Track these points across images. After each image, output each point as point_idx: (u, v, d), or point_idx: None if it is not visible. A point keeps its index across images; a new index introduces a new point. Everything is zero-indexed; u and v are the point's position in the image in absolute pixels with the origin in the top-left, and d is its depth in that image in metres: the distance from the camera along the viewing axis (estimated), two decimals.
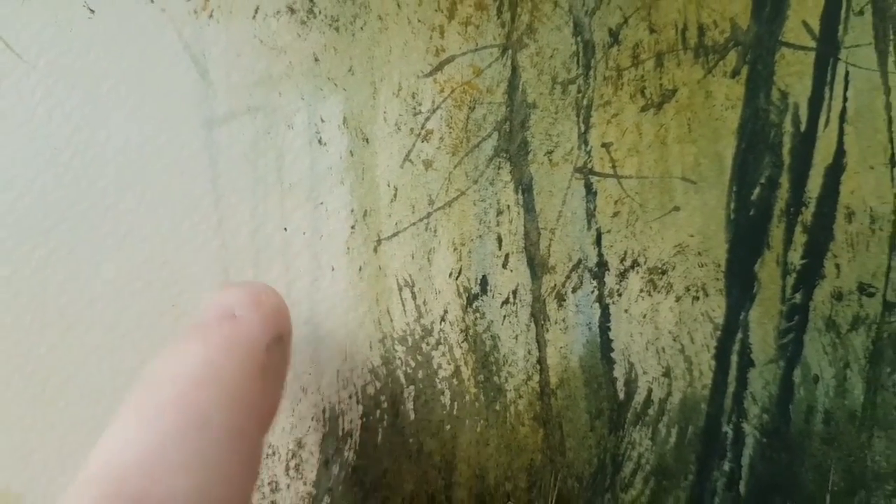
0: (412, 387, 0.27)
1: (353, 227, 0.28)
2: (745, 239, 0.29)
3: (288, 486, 0.27)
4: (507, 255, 0.28)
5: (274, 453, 0.27)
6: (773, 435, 0.29)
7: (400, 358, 0.27)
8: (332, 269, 0.27)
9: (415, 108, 0.28)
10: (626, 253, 0.28)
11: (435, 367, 0.27)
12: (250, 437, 0.20)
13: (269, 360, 0.21)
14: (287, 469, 0.27)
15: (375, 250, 0.28)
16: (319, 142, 0.28)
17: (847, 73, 0.29)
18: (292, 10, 0.28)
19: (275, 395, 0.22)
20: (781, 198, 0.29)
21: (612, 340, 0.28)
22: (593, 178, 0.28)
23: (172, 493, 0.17)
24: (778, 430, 0.29)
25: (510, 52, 0.28)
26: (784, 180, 0.29)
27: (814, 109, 0.29)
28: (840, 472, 0.28)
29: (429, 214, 0.28)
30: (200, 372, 0.19)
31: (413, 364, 0.27)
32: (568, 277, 0.28)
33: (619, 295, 0.28)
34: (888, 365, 0.29)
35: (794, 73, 0.29)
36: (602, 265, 0.28)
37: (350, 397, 0.27)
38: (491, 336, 0.28)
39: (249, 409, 0.20)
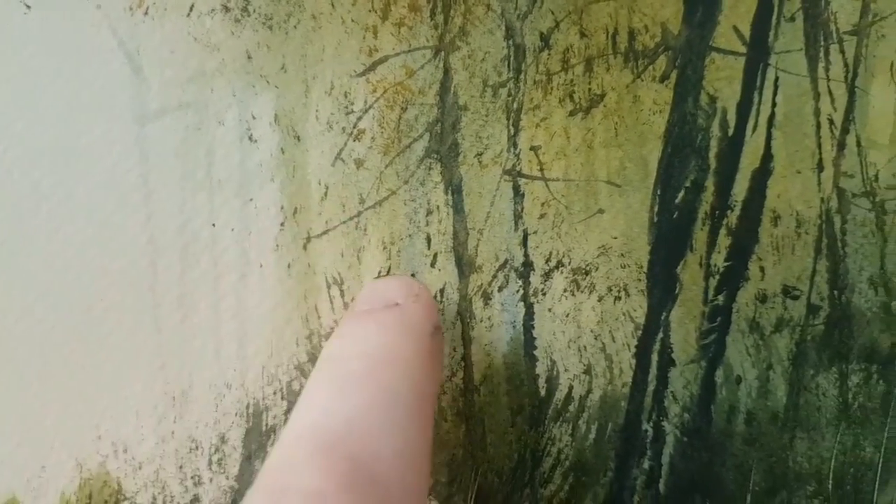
0: None
1: (282, 225, 0.22)
2: (668, 241, 0.23)
3: (210, 480, 0.22)
4: (435, 255, 0.22)
5: (197, 448, 0.22)
6: (694, 434, 0.23)
7: None
8: (261, 266, 0.22)
9: (347, 108, 0.22)
10: (551, 254, 0.23)
11: None
12: (426, 410, 0.19)
13: (433, 346, 0.20)
14: (210, 463, 0.22)
15: (305, 248, 0.22)
16: (250, 139, 0.22)
17: (777, 79, 0.24)
18: (227, 9, 0.22)
19: (438, 376, 0.21)
20: (706, 201, 0.23)
21: (535, 338, 0.23)
22: (521, 181, 0.23)
23: (378, 454, 0.16)
24: (699, 430, 0.23)
25: (443, 54, 0.22)
26: (710, 184, 0.23)
27: (742, 114, 0.24)
28: (761, 473, 0.24)
29: (359, 213, 0.22)
30: (384, 352, 0.19)
31: None
32: (494, 277, 0.23)
33: (544, 294, 0.23)
34: (811, 367, 0.24)
35: (723, 78, 0.23)
36: (528, 265, 0.23)
37: (275, 393, 0.22)
38: None
39: (423, 385, 0.19)
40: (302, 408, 0.18)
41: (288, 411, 0.24)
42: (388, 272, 0.24)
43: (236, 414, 0.24)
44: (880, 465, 0.25)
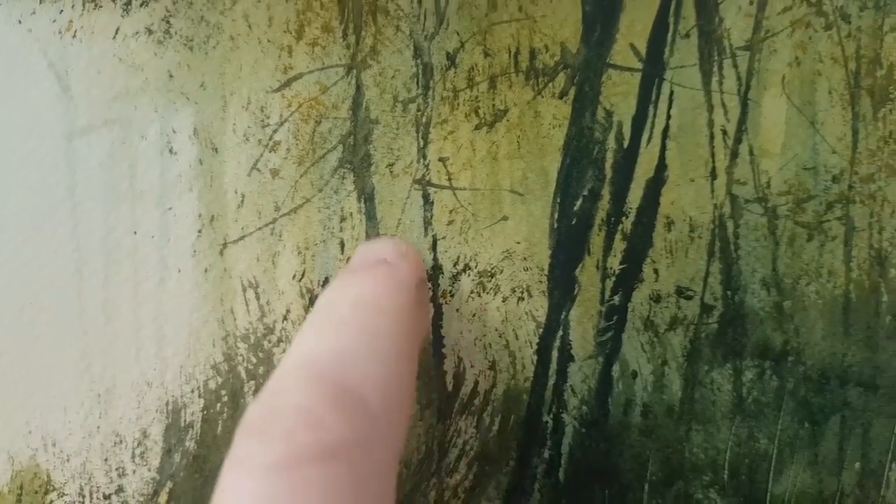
0: (253, 382, 0.21)
1: (199, 232, 0.20)
2: (567, 246, 0.22)
3: (134, 472, 0.20)
4: (349, 259, 0.20)
5: (121, 441, 0.21)
6: (592, 426, 0.22)
7: (242, 355, 0.20)
8: (179, 271, 0.20)
9: (263, 121, 0.21)
10: (458, 258, 0.21)
11: (276, 363, 0.20)
12: (411, 351, 0.19)
13: (418, 297, 0.20)
14: (133, 456, 0.20)
15: (221, 253, 0.21)
16: (171, 151, 0.20)
17: (672, 93, 0.22)
18: (150, 31, 0.21)
19: (423, 325, 0.22)
20: (603, 208, 0.22)
21: (443, 337, 0.21)
22: (431, 190, 0.21)
23: (364, 380, 0.16)
24: (596, 422, 0.22)
25: (355, 71, 0.21)
26: (606, 192, 0.22)
27: (637, 127, 0.22)
28: (658, 463, 0.22)
29: (274, 220, 0.21)
30: (372, 300, 0.18)
31: (255, 360, 0.20)
32: None
33: (452, 296, 0.21)
34: (706, 363, 0.23)
35: (619, 94, 0.22)
36: (437, 268, 0.21)
37: (192, 391, 0.20)
38: None
39: (408, 331, 0.19)
40: (294, 345, 0.18)
41: (205, 408, 0.23)
42: (303, 276, 0.23)
43: (157, 410, 0.22)
44: (774, 457, 0.24)
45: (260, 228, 0.23)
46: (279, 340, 0.23)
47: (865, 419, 0.24)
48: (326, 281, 0.24)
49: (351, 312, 0.18)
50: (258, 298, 0.23)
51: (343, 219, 0.24)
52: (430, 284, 0.23)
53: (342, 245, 0.24)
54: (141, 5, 0.23)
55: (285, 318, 0.23)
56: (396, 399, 0.17)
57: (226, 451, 0.24)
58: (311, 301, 0.23)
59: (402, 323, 0.18)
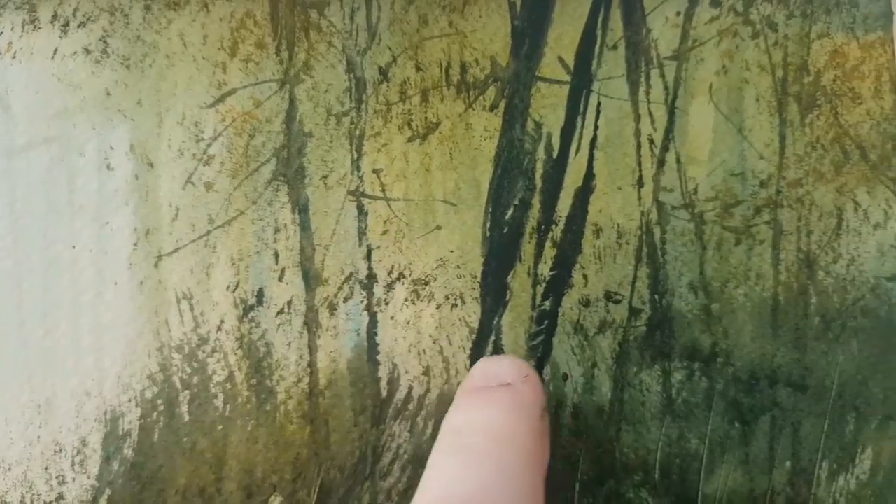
0: (187, 391, 0.21)
1: (135, 245, 0.20)
2: (499, 253, 0.22)
3: (73, 480, 0.20)
4: (283, 269, 0.21)
5: (61, 450, 0.20)
6: None
7: (176, 365, 0.20)
8: (115, 284, 0.20)
9: (197, 136, 0.21)
10: (393, 266, 0.21)
11: (210, 372, 0.20)
12: (538, 486, 0.18)
13: (542, 426, 0.20)
14: (73, 464, 0.20)
15: (156, 266, 0.21)
16: (108, 167, 0.20)
17: (599, 104, 0.22)
18: (88, 51, 0.21)
19: (547, 454, 0.20)
20: (533, 217, 0.22)
21: (378, 344, 0.21)
22: (365, 200, 0.21)
23: None
24: None
25: (288, 86, 0.21)
26: (536, 202, 0.21)
27: (566, 137, 0.22)
28: (589, 463, 0.22)
29: (208, 232, 0.21)
30: (502, 430, 0.18)
31: (189, 370, 0.20)
32: (340, 289, 0.21)
33: (386, 304, 0.21)
34: (635, 365, 0.23)
35: (548, 105, 0.21)
36: (371, 277, 0.21)
37: (129, 401, 0.20)
38: (265, 343, 0.21)
39: (535, 463, 0.18)
40: (430, 477, 0.18)
41: (142, 417, 0.22)
42: (237, 287, 0.23)
43: (95, 419, 0.22)
44: (705, 456, 0.24)
45: (194, 241, 0.23)
46: (213, 351, 0.23)
47: (795, 419, 0.24)
48: (260, 292, 0.24)
49: (481, 443, 0.18)
50: (192, 310, 0.23)
51: (277, 230, 0.23)
52: (549, 412, 0.21)
53: (276, 256, 0.23)
54: (79, 26, 0.23)
55: (219, 329, 0.23)
56: None
57: (162, 457, 0.24)
58: (245, 311, 0.23)
59: (529, 456, 0.18)
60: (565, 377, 0.24)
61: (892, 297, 0.24)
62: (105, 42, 0.23)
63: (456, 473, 0.17)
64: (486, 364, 0.21)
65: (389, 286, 0.24)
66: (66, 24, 0.23)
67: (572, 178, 0.24)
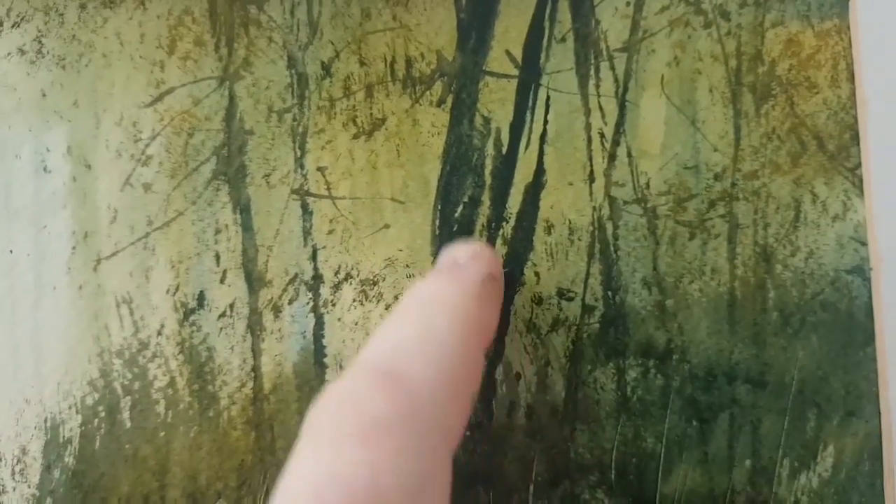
0: (129, 397, 0.20)
1: (73, 249, 0.20)
2: None
3: (14, 489, 0.20)
4: (224, 271, 0.20)
5: (1, 459, 0.19)
6: (476, 428, 0.21)
7: (117, 370, 0.20)
8: (54, 289, 0.20)
9: (135, 136, 0.20)
10: (340, 267, 0.20)
11: (151, 378, 0.20)
12: (473, 347, 0.19)
13: (484, 290, 0.20)
14: (13, 473, 0.20)
15: (95, 269, 0.20)
16: (45, 170, 0.20)
17: (548, 98, 0.21)
18: (22, 52, 0.20)
19: (491, 317, 0.21)
20: (483, 214, 0.21)
21: (325, 347, 0.21)
22: (309, 199, 0.20)
23: (412, 362, 0.17)
24: (480, 424, 0.21)
25: (228, 83, 0.20)
26: (486, 198, 0.21)
27: (515, 133, 0.21)
28: (543, 463, 0.22)
29: (147, 234, 0.20)
30: (434, 297, 0.19)
31: (130, 376, 0.20)
32: (284, 290, 0.20)
33: (333, 305, 0.21)
34: (588, 363, 0.23)
35: (496, 100, 0.21)
36: (317, 278, 0.21)
37: (70, 408, 0.20)
38: (207, 348, 0.20)
39: (468, 324, 0.19)
40: (373, 334, 0.19)
41: (83, 424, 0.22)
42: (177, 290, 0.22)
43: (35, 427, 0.22)
44: (662, 455, 0.23)
45: (133, 243, 0.22)
46: (153, 356, 0.22)
47: (755, 416, 0.23)
48: (201, 295, 0.23)
49: (414, 309, 0.18)
50: (132, 314, 0.22)
51: (218, 231, 0.23)
52: (502, 280, 0.22)
53: (217, 257, 0.23)
54: (13, 27, 0.23)
55: (159, 334, 0.22)
56: (446, 384, 0.17)
57: (104, 465, 0.23)
58: (186, 315, 0.22)
59: (461, 316, 0.18)
60: (518, 376, 0.23)
61: (853, 291, 0.23)
62: (40, 42, 0.22)
63: (386, 333, 0.18)
64: (445, 250, 0.21)
65: (336, 287, 0.23)
66: (0, 24, 0.22)
67: (522, 174, 0.23)
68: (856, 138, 0.24)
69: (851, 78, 0.24)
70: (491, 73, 0.23)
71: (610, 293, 0.23)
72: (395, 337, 0.18)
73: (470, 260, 0.21)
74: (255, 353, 0.22)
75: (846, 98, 0.24)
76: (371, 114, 0.23)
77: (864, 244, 0.23)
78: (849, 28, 0.24)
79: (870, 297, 0.23)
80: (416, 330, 0.18)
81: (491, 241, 0.23)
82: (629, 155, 0.23)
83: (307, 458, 0.15)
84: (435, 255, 0.23)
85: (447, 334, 0.18)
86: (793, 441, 0.23)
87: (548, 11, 0.24)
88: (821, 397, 0.23)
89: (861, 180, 0.24)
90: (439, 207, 0.23)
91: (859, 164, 0.24)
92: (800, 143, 0.23)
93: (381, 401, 0.16)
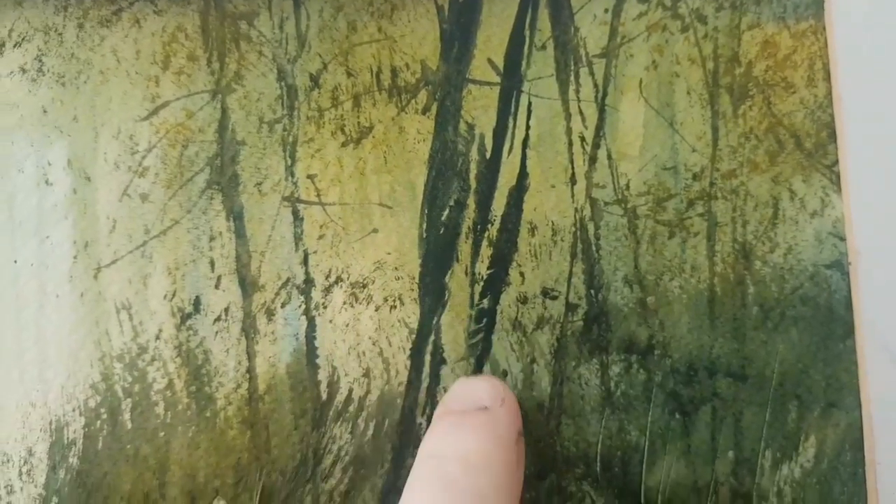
0: (129, 399, 0.21)
1: (75, 258, 0.21)
2: (436, 254, 0.22)
3: (21, 489, 0.21)
4: (219, 277, 0.21)
5: (8, 461, 0.21)
6: None
7: (118, 374, 0.21)
8: (57, 297, 0.20)
9: (132, 148, 0.21)
10: (330, 270, 0.21)
11: (150, 380, 0.21)
12: None
13: (518, 451, 0.20)
14: (20, 474, 0.21)
15: (95, 277, 0.21)
16: (46, 182, 0.21)
17: (530, 103, 0.21)
18: (24, 70, 0.21)
19: (520, 480, 0.20)
20: (469, 217, 0.22)
21: (317, 348, 0.21)
22: (300, 206, 0.21)
23: None
24: None
25: (220, 96, 0.21)
26: (471, 202, 0.21)
27: (498, 138, 0.22)
28: (530, 457, 0.23)
29: (144, 243, 0.21)
30: (478, 458, 0.18)
31: (130, 379, 0.21)
32: (277, 294, 0.21)
33: (325, 307, 0.21)
34: (573, 359, 0.23)
35: (479, 107, 0.21)
36: (309, 282, 0.21)
37: (73, 410, 0.21)
38: (203, 351, 0.21)
39: (510, 489, 0.18)
40: (408, 501, 0.18)
41: (86, 426, 0.23)
42: (174, 296, 0.23)
43: (41, 429, 0.23)
44: (646, 448, 0.23)
45: (131, 251, 0.23)
46: (152, 359, 0.23)
47: (736, 409, 0.24)
48: (197, 300, 0.24)
49: (458, 470, 0.18)
50: (131, 319, 0.23)
51: (212, 238, 0.23)
52: (524, 436, 0.21)
53: (212, 264, 0.23)
54: (14, 46, 0.24)
55: (158, 338, 0.23)
56: None
57: (107, 465, 0.24)
58: (183, 320, 0.23)
59: (504, 483, 0.18)
60: (505, 374, 0.24)
61: (831, 285, 0.23)
62: (40, 61, 0.23)
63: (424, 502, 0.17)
64: (464, 385, 0.21)
65: (327, 290, 0.24)
66: (3, 45, 0.23)
67: (506, 178, 0.24)
68: (833, 136, 0.24)
69: (828, 77, 0.24)
70: (474, 81, 0.24)
71: (592, 291, 0.24)
72: None
73: (497, 406, 0.20)
74: (250, 355, 0.23)
75: (823, 97, 0.24)
76: (358, 122, 0.24)
77: (842, 239, 0.23)
78: (824, 28, 0.24)
79: (849, 291, 0.23)
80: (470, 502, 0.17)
81: (476, 243, 0.24)
82: (609, 157, 0.24)
83: None
84: (423, 257, 0.24)
85: None
86: (774, 432, 0.23)
87: (528, 20, 0.24)
88: (802, 389, 0.23)
89: (838, 177, 0.24)
90: (426, 211, 0.24)
91: (836, 161, 0.24)
92: (777, 142, 0.24)
93: None
